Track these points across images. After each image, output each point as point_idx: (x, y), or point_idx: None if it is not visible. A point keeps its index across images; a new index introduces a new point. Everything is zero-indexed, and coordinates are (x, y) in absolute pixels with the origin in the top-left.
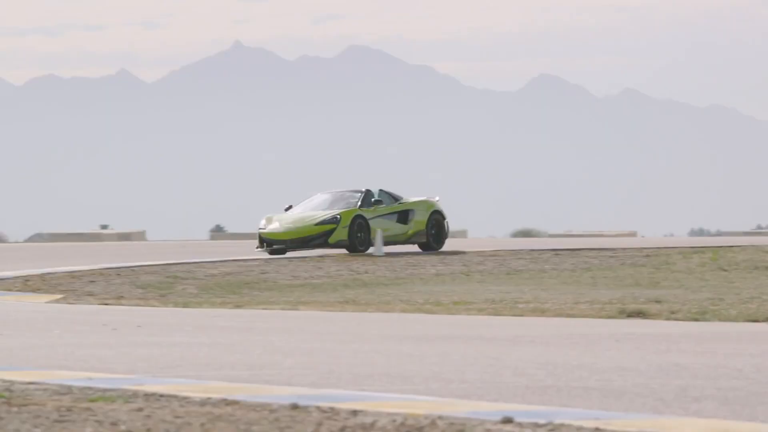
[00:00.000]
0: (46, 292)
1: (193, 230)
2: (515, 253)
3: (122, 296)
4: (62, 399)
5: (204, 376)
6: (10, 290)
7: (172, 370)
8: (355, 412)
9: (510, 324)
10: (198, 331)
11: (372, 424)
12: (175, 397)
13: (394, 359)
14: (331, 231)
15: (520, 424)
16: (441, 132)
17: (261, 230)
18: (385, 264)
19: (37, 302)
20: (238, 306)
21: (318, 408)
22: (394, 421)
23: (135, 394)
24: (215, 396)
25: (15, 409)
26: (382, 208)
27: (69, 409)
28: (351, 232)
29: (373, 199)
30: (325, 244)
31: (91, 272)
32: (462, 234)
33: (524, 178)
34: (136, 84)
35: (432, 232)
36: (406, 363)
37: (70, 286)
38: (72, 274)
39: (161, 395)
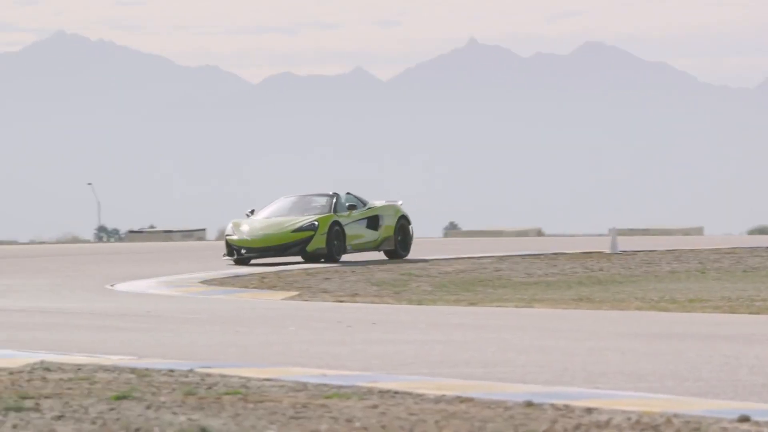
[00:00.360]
0: (282, 289)
1: (427, 228)
2: (752, 250)
3: (357, 293)
4: (297, 396)
5: (438, 373)
6: (246, 287)
7: (407, 368)
8: (589, 410)
9: (746, 322)
10: (432, 329)
11: (607, 422)
12: (409, 394)
13: (628, 357)
14: (309, 238)
15: (757, 423)
16: (671, 129)
17: (229, 237)
18: (620, 262)
19: (273, 299)
20: (472, 303)
21: (552, 406)
22: (629, 419)
23: (370, 391)
24: (449, 393)
25: (251, 405)
26: (356, 214)
27: (304, 406)
28: (329, 239)
29: (348, 204)
30: (302, 253)
31: (326, 269)
32: (698, 231)
33: (758, 174)
34: (372, 82)
35: (398, 238)
36: (640, 361)
37: (306, 283)
38: (307, 272)
39: (396, 392)
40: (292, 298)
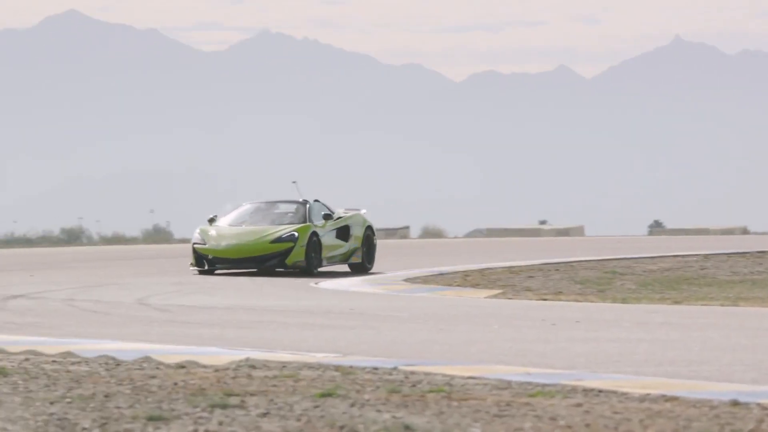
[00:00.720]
0: (485, 287)
1: (631, 226)
2: None
3: (560, 291)
4: (501, 394)
5: (642, 372)
6: (450, 285)
7: (611, 366)
8: None
9: None
10: (636, 327)
11: None
12: (614, 392)
13: None
14: (289, 250)
15: None
16: None
17: (198, 245)
18: None
19: (476, 297)
20: (676, 302)
21: (759, 405)
22: None
23: (574, 390)
24: (654, 392)
25: (455, 403)
26: (330, 224)
27: (508, 404)
28: (308, 251)
29: (323, 213)
30: (281, 265)
31: (530, 268)
32: None
33: None
34: (575, 80)
35: (364, 249)
36: None
37: (509, 282)
38: (510, 270)
39: (600, 391)
40: (495, 296)
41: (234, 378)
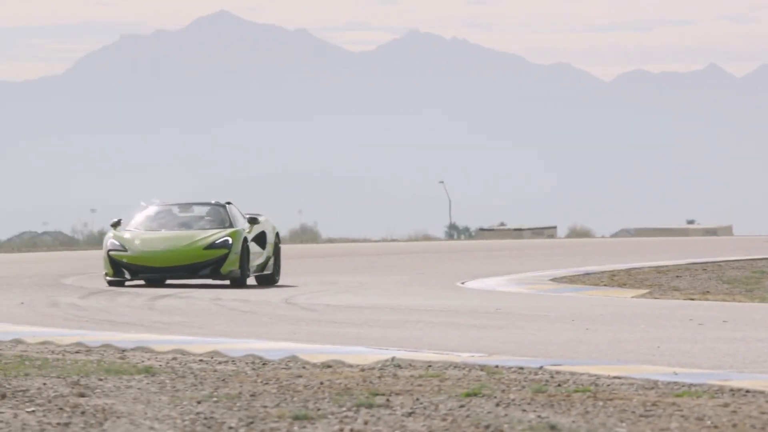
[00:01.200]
0: (632, 286)
1: None
2: None
3: (708, 291)
4: (647, 394)
5: None
6: (596, 285)
7: (759, 366)
8: None
9: None
10: None
11: None
12: (762, 392)
13: None
14: (223, 258)
15: None
16: None
17: (115, 252)
18: None
19: (623, 297)
20: None
21: None
22: None
23: (721, 390)
24: None
25: (601, 403)
26: (256, 228)
27: (654, 404)
28: (241, 259)
29: (248, 217)
30: (214, 275)
31: (677, 267)
32: None
33: None
34: (726, 78)
35: (273, 258)
36: None
37: (656, 281)
38: (658, 269)
39: (747, 391)
40: (642, 296)
41: (380, 377)
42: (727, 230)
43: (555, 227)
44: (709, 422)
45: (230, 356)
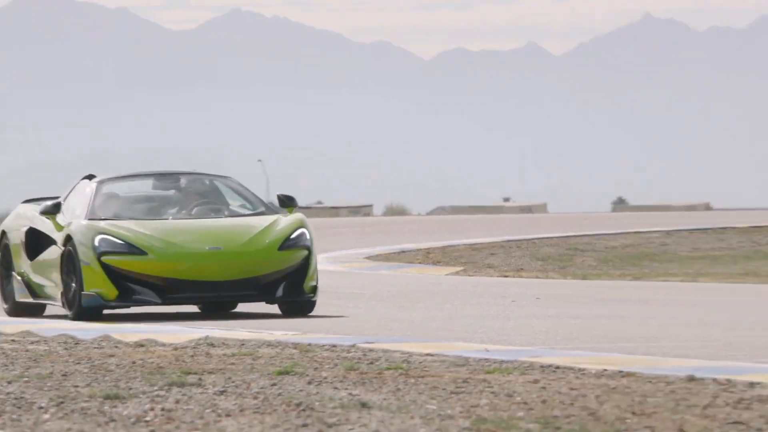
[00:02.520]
0: (448, 264)
1: (595, 203)
2: None
3: (522, 268)
4: (459, 371)
5: (601, 348)
6: (411, 263)
7: (570, 343)
8: (752, 385)
9: None
10: (596, 304)
11: None
12: (571, 369)
13: None
14: (305, 265)
15: None
16: None
17: (116, 258)
18: None
19: (438, 274)
20: (636, 278)
21: (714, 380)
22: None
23: (531, 366)
24: (611, 368)
25: (412, 380)
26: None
27: (465, 381)
28: None
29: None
30: (292, 294)
31: (492, 245)
32: None
33: None
34: (545, 57)
35: None
36: None
37: (471, 259)
38: (472, 247)
39: (557, 367)
40: (456, 273)
41: (192, 356)
42: (541, 208)
43: (371, 205)
44: (519, 398)
45: (42, 336)
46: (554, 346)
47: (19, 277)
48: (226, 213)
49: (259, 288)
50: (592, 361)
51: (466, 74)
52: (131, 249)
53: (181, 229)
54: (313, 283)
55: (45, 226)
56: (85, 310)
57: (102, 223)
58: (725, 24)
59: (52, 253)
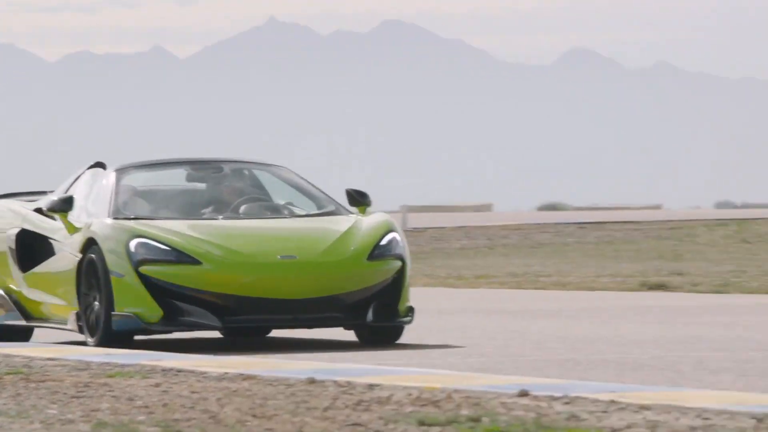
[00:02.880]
0: None
1: None
2: (540, 226)
3: None
4: (80, 375)
5: (223, 351)
6: None
7: (189, 349)
8: (371, 386)
9: (532, 297)
10: None
11: (388, 398)
12: (192, 372)
13: (413, 334)
14: (399, 281)
15: (536, 397)
16: (473, 106)
17: (158, 269)
18: (410, 239)
19: None
20: None
21: (335, 382)
22: (410, 394)
23: (153, 370)
24: (232, 371)
25: (33, 384)
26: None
27: (86, 385)
28: None
29: (349, 190)
30: (383, 317)
31: None
32: (487, 208)
33: (552, 152)
34: (170, 60)
35: None
36: (425, 337)
37: None
38: None
39: (179, 371)
40: None
41: None
42: None
43: None
44: (140, 402)
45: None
46: (177, 350)
47: (4, 294)
48: (286, 213)
49: (344, 309)
50: (213, 364)
51: (92, 77)
52: (180, 257)
53: (240, 233)
54: (409, 303)
55: (46, 227)
56: (117, 334)
57: (136, 224)
58: (349, 28)
59: (61, 261)
